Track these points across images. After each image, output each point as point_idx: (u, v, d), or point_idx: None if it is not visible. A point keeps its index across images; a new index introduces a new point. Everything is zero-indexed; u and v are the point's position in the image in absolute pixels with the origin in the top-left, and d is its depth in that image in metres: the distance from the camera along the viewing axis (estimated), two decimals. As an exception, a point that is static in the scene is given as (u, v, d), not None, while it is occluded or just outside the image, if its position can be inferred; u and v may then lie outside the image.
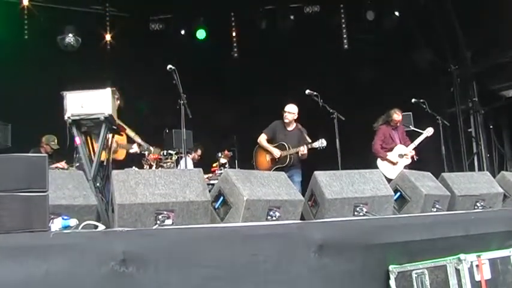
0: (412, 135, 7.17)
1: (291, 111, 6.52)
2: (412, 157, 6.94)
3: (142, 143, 5.73)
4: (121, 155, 5.54)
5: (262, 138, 6.62)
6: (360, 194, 4.09)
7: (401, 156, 6.96)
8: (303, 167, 6.43)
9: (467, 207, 4.72)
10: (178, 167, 6.79)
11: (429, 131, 6.98)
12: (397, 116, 7.07)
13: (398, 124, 7.13)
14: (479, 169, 8.78)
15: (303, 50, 9.14)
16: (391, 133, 7.09)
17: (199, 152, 7.93)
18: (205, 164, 7.35)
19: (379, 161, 7.01)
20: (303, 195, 4.08)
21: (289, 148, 6.38)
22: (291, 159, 6.38)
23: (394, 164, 6.92)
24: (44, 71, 7.91)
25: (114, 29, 9.14)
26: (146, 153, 6.76)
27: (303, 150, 6.23)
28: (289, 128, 6.56)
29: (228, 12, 9.65)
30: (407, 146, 7.00)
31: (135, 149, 5.70)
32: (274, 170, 6.33)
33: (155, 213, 3.25)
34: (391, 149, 7.02)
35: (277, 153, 6.45)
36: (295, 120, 6.56)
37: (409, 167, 6.77)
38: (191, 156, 7.61)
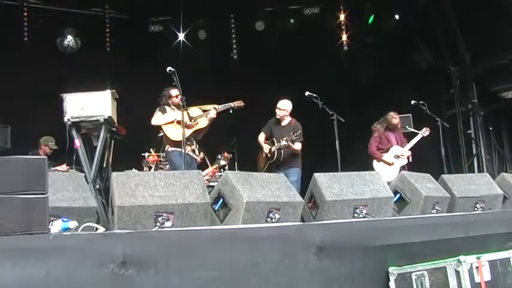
0: (409, 136, 7.17)
1: (281, 107, 6.44)
2: (408, 157, 6.92)
3: (217, 107, 5.95)
4: (202, 123, 5.71)
5: (260, 137, 6.61)
6: (359, 195, 4.08)
7: (397, 157, 6.94)
8: (302, 167, 6.41)
9: (467, 209, 4.71)
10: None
11: (425, 131, 6.97)
12: (395, 120, 7.08)
13: (398, 126, 7.14)
14: (479, 171, 8.77)
15: (302, 52, 9.14)
16: (387, 134, 7.07)
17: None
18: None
19: (375, 163, 7.00)
20: (301, 195, 4.06)
21: (278, 143, 6.29)
22: (280, 154, 6.24)
23: (389, 164, 6.91)
24: (43, 73, 7.91)
25: (113, 31, 9.15)
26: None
27: (285, 144, 6.14)
28: (283, 124, 6.48)
29: (228, 14, 9.66)
30: (403, 147, 7.00)
31: (211, 114, 5.82)
32: (267, 167, 6.34)
33: (155, 215, 3.24)
34: (387, 150, 7.01)
35: (266, 148, 6.42)
36: (291, 115, 6.47)
37: (407, 168, 6.76)
38: None
